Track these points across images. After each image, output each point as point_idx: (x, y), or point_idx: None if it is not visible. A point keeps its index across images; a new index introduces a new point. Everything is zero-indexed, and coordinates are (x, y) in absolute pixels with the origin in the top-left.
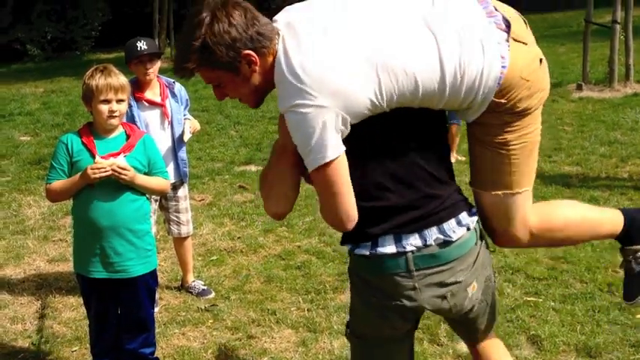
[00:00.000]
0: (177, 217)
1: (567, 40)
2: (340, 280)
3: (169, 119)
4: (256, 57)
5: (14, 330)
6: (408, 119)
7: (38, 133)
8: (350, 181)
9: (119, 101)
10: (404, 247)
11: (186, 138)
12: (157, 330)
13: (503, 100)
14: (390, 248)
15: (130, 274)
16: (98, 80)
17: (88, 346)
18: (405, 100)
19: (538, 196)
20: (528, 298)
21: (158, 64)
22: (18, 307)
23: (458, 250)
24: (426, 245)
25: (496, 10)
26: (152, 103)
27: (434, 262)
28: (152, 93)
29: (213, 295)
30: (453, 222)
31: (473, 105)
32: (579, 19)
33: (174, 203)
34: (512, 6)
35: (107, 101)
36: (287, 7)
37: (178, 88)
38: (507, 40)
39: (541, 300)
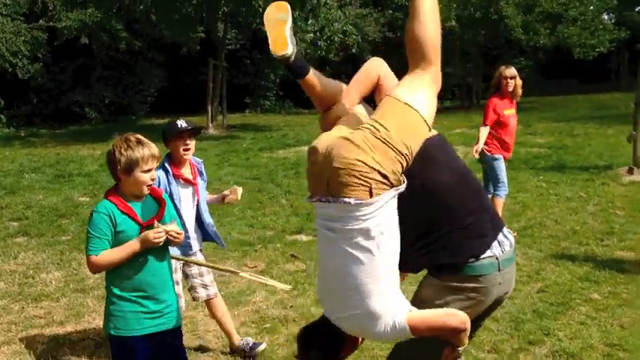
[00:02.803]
0: (202, 280)
1: (615, 122)
2: None
3: (199, 197)
4: None
5: None
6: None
7: (96, 194)
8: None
9: (155, 169)
10: (494, 254)
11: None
12: None
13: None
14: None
15: (177, 324)
16: (142, 151)
17: None
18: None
19: (591, 280)
20: None
21: (194, 142)
22: None
23: (514, 254)
24: (504, 251)
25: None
26: (187, 182)
27: (509, 263)
28: (186, 172)
29: (264, 345)
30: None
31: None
32: (626, 101)
33: (196, 268)
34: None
35: (149, 170)
36: None
37: (202, 166)
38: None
39: None
